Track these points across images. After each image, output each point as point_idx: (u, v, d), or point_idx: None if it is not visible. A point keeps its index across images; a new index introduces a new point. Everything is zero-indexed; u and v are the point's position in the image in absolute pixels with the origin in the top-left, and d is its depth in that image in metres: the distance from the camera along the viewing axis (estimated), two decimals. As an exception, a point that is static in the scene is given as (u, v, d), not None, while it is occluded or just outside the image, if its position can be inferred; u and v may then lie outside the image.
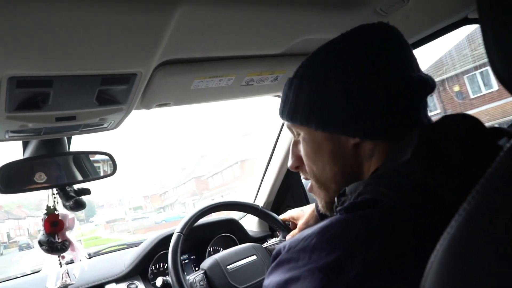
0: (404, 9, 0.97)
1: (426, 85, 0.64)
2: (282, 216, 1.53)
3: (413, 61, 0.66)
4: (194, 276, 1.34)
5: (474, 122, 0.57)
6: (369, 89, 0.62)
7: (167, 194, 41.06)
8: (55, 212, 1.17)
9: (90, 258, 1.61)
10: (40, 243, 1.15)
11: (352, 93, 0.62)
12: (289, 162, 0.79)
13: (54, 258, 1.20)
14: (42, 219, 1.16)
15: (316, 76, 0.67)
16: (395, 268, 0.47)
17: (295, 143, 0.77)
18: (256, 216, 1.60)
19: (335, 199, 0.64)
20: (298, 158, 0.76)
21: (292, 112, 0.70)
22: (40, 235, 1.16)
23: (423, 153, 0.53)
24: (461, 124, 0.56)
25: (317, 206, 1.35)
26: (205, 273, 1.35)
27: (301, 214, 1.45)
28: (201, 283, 1.31)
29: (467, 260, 0.37)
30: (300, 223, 1.43)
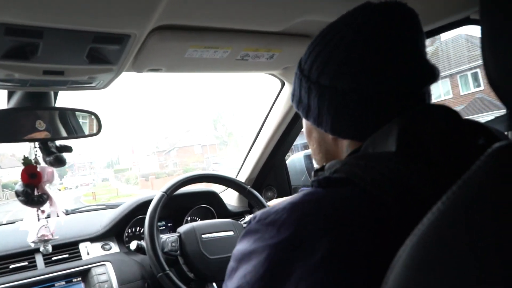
0: (408, 2, 0.96)
1: (418, 79, 0.60)
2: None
3: (407, 51, 0.60)
4: (168, 237, 1.36)
5: (455, 116, 0.57)
6: (339, 93, 0.61)
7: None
8: (33, 163, 1.15)
9: (67, 214, 1.61)
10: (17, 194, 1.14)
11: (323, 93, 0.62)
12: None
13: (34, 213, 1.19)
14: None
15: (304, 67, 0.67)
16: (361, 256, 0.47)
17: None
18: (243, 195, 1.62)
19: (312, 172, 0.65)
20: None
21: (292, 96, 0.73)
22: (18, 185, 1.15)
23: (404, 143, 0.53)
24: (443, 117, 0.56)
25: None
26: (179, 236, 1.37)
27: None
28: (173, 244, 1.34)
29: (435, 258, 0.38)
30: None
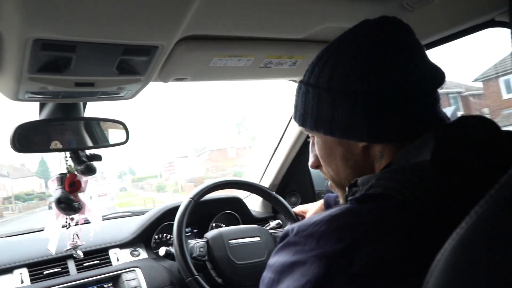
0: (431, 5, 0.96)
1: (432, 80, 0.64)
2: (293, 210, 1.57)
3: (417, 56, 0.64)
4: (196, 242, 1.38)
5: (491, 125, 0.56)
6: (372, 95, 0.61)
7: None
8: (70, 173, 1.19)
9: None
10: (60, 201, 1.16)
11: (354, 98, 0.62)
12: (310, 161, 0.79)
13: (59, 220, 1.21)
14: (57, 178, 1.18)
15: (320, 81, 0.67)
16: (400, 266, 0.48)
17: (313, 143, 0.77)
18: (268, 201, 1.62)
19: (347, 188, 0.65)
20: (316, 157, 0.76)
21: (302, 117, 0.71)
22: (59, 193, 1.17)
23: (440, 155, 0.53)
24: (478, 127, 0.56)
25: (325, 202, 1.37)
26: (207, 242, 1.39)
27: (311, 207, 1.49)
28: (201, 249, 1.36)
29: (473, 261, 0.38)
30: (308, 215, 1.46)
